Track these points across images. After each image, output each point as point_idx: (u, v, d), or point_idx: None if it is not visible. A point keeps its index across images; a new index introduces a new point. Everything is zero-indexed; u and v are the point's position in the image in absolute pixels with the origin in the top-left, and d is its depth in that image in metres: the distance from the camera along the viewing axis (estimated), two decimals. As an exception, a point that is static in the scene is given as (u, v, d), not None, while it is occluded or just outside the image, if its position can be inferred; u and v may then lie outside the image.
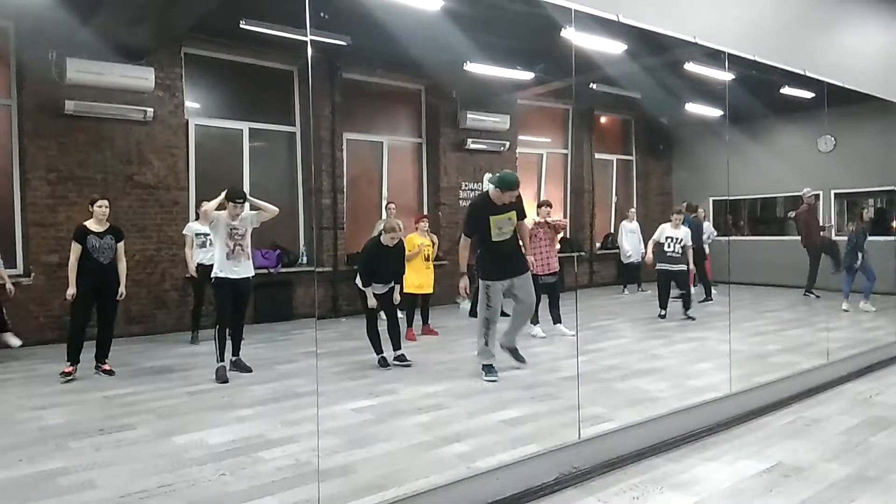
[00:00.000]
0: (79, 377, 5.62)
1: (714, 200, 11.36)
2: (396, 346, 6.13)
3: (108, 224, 5.78)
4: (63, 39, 7.21)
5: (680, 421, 4.20)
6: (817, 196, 10.08)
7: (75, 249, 5.62)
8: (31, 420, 4.51)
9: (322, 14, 6.94)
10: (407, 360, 6.05)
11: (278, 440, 4.02)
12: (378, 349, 6.05)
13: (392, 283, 6.17)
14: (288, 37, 7.68)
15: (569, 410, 4.22)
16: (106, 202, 5.77)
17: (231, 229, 5.64)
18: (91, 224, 5.70)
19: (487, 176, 5.70)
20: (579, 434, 3.73)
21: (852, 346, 6.54)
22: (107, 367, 5.77)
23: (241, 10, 7.34)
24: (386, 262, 6.05)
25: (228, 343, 5.68)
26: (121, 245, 5.85)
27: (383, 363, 5.97)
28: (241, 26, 7.46)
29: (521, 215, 5.68)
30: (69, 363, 5.59)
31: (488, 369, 5.51)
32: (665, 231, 8.46)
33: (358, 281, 6.10)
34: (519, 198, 5.58)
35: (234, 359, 5.78)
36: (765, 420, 4.55)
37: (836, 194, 11.44)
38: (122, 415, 4.60)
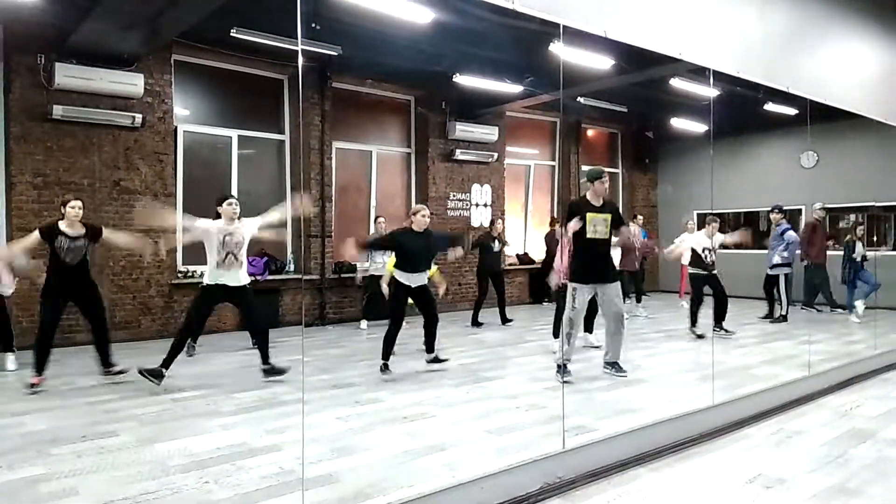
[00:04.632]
0: (61, 383, 5.56)
1: (698, 213, 11.49)
2: (430, 349, 6.14)
3: (81, 226, 5.54)
4: (52, 44, 7.20)
5: (663, 431, 4.23)
6: (826, 210, 10.16)
7: (34, 239, 5.43)
8: (11, 426, 4.45)
9: (313, 24, 6.99)
10: (441, 360, 6.16)
11: (262, 448, 4.01)
12: (387, 355, 5.91)
13: (424, 274, 6.03)
14: (279, 46, 7.72)
15: (553, 420, 4.25)
16: (79, 203, 5.51)
17: (225, 236, 5.52)
18: (63, 225, 5.48)
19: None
20: (563, 444, 3.75)
21: (833, 358, 6.62)
22: (117, 368, 5.65)
23: (232, 19, 7.37)
24: (415, 247, 5.94)
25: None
26: (106, 235, 5.68)
27: (385, 369, 5.86)
28: (232, 35, 7.49)
29: (619, 222, 5.95)
30: (36, 373, 5.37)
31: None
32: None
33: (385, 281, 6.04)
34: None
35: (266, 367, 5.72)
36: (747, 431, 4.59)
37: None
38: (105, 421, 4.56)
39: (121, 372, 5.67)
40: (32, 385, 5.35)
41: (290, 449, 3.93)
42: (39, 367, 5.40)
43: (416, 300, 6.07)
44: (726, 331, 8.11)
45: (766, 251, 11.70)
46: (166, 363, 5.39)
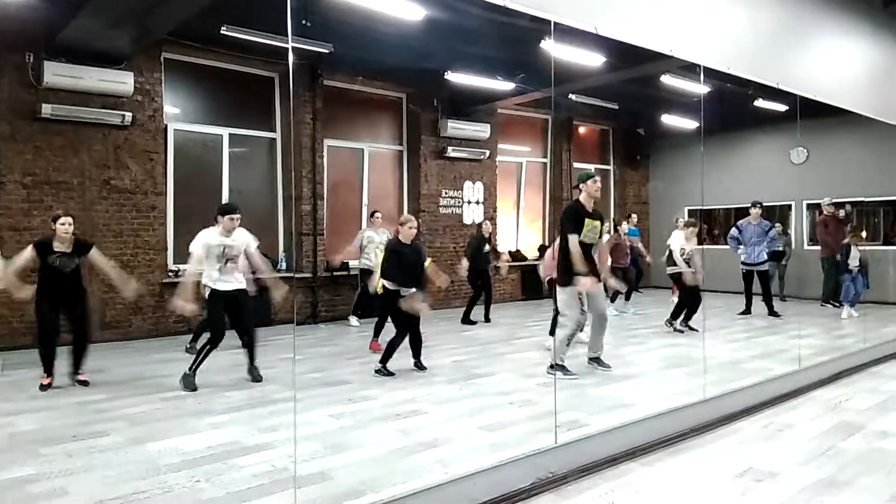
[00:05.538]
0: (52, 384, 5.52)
1: (689, 209, 11.54)
2: (417, 355, 6.11)
3: (71, 241, 5.47)
4: (41, 42, 7.14)
5: (655, 426, 4.25)
6: (836, 205, 10.21)
7: (28, 255, 5.36)
8: (1, 426, 4.42)
9: (304, 21, 6.96)
10: (422, 367, 6.10)
11: (254, 446, 4.00)
12: (387, 359, 5.90)
13: (412, 289, 5.93)
14: (269, 43, 7.69)
15: (546, 416, 4.26)
16: (69, 220, 5.45)
17: (225, 248, 5.52)
18: (55, 244, 5.41)
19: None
20: (556, 439, 3.76)
21: (823, 352, 6.67)
22: (82, 377, 5.60)
23: (222, 16, 7.33)
24: (404, 261, 5.88)
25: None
26: (93, 253, 5.61)
27: (384, 372, 5.85)
28: (223, 32, 7.45)
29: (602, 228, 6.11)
30: (45, 374, 5.44)
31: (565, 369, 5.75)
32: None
33: (384, 283, 5.99)
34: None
35: (253, 368, 5.73)
36: (738, 425, 4.62)
37: (807, 205, 11.69)
38: (95, 421, 4.54)
39: (84, 382, 5.58)
40: (42, 386, 5.39)
41: (282, 447, 3.92)
42: (48, 367, 5.44)
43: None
44: (691, 328, 8.16)
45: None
46: (195, 368, 5.44)
